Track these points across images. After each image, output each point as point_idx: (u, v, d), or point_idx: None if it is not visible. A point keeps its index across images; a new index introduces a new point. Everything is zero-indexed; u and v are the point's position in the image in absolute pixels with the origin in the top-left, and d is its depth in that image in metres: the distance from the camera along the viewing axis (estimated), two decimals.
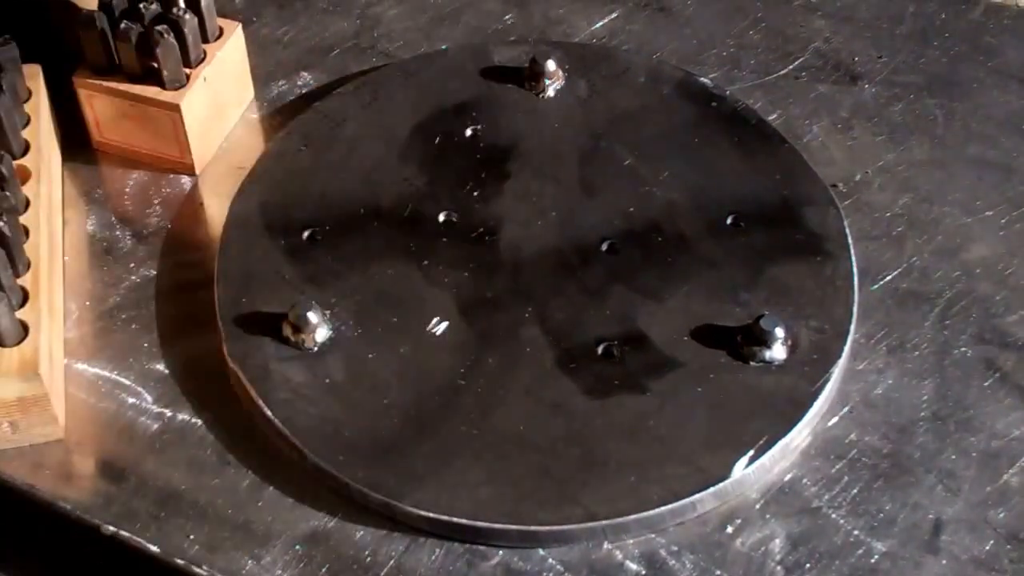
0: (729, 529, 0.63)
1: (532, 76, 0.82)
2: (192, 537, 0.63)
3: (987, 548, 0.62)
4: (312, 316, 0.68)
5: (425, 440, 0.65)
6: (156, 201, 0.78)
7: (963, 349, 0.70)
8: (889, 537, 0.63)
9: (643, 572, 0.62)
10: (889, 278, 0.74)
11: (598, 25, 0.89)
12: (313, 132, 0.80)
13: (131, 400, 0.69)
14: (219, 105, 0.80)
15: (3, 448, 0.66)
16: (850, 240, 0.73)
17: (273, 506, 0.64)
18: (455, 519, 0.62)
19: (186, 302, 0.73)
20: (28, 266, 0.69)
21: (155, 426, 0.67)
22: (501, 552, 0.63)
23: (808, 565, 0.62)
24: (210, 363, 0.69)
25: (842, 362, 0.68)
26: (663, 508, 0.63)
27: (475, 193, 0.76)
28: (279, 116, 0.83)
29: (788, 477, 0.65)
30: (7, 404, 0.64)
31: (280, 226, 0.74)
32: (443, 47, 0.87)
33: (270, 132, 0.82)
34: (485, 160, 0.78)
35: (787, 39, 0.88)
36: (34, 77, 0.79)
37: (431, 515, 0.62)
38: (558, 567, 0.62)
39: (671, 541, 0.63)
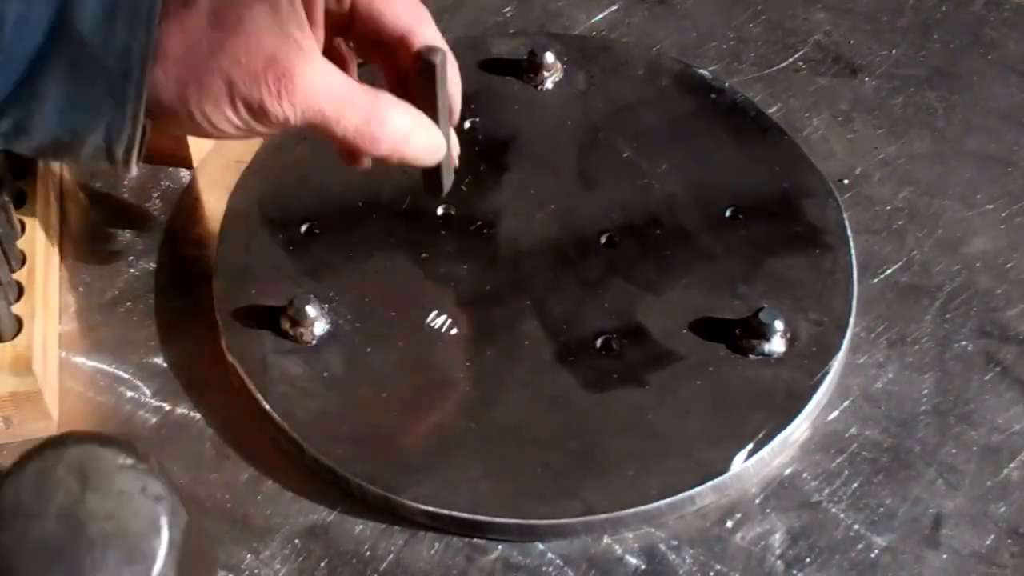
0: (729, 523, 0.63)
1: (530, 68, 0.82)
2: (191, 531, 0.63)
3: (988, 542, 0.62)
4: (310, 310, 0.68)
5: (424, 434, 0.65)
6: (155, 195, 0.78)
7: (964, 343, 0.70)
8: (889, 531, 0.63)
9: (643, 566, 0.62)
10: (889, 272, 0.74)
11: (598, 18, 0.89)
12: None
13: (130, 393, 0.68)
14: None
15: None
16: (850, 233, 0.73)
17: (272, 500, 0.64)
18: (454, 513, 0.62)
19: (184, 296, 0.73)
20: (23, 261, 0.69)
21: (154, 420, 0.67)
22: (501, 546, 0.63)
23: (808, 560, 0.62)
24: (209, 357, 0.69)
25: (841, 355, 0.68)
26: (662, 502, 0.62)
27: (474, 186, 0.76)
28: None
29: (788, 471, 0.65)
30: (0, 399, 0.64)
31: (278, 219, 0.74)
32: None
33: None
34: (483, 153, 0.78)
35: (787, 32, 0.88)
36: None
37: (430, 509, 0.62)
38: (557, 561, 0.62)
39: (671, 535, 0.63)
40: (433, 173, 0.67)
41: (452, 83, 0.66)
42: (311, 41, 0.62)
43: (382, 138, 0.62)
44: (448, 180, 0.68)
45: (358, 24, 0.65)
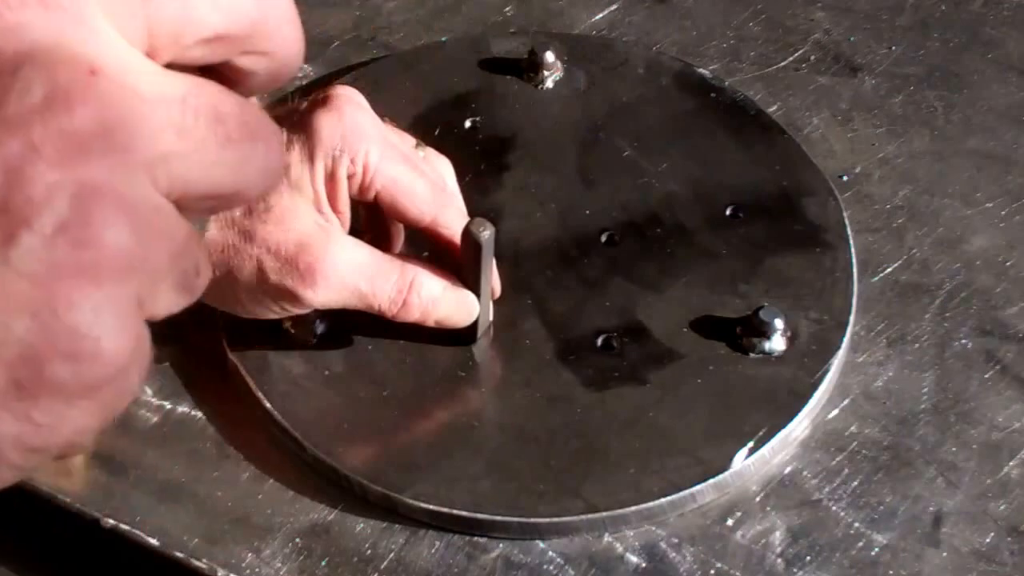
0: (729, 521, 0.63)
1: (531, 67, 0.82)
2: (192, 530, 0.63)
3: (988, 540, 0.62)
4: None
5: (425, 432, 0.65)
6: None
7: (963, 341, 0.70)
8: (890, 529, 0.63)
9: (643, 564, 0.62)
10: (889, 270, 0.74)
11: (598, 17, 0.89)
12: None
13: None
14: None
15: None
16: (849, 232, 0.73)
17: (273, 498, 0.64)
18: (455, 511, 0.62)
19: None
20: None
21: (155, 419, 0.67)
22: (501, 544, 0.63)
23: (808, 558, 0.62)
24: (210, 355, 0.69)
25: (841, 353, 0.68)
26: (663, 500, 0.63)
27: (474, 185, 0.76)
28: (278, 108, 0.83)
29: (788, 469, 0.65)
30: None
31: None
32: (443, 39, 0.87)
33: None
34: (484, 152, 0.78)
35: (787, 31, 0.88)
36: None
37: (431, 507, 0.62)
38: (558, 559, 0.62)
39: (671, 533, 0.63)
40: (466, 328, 0.68)
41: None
42: (336, 223, 0.63)
43: (414, 305, 0.64)
44: (479, 333, 0.68)
45: (383, 211, 0.65)
